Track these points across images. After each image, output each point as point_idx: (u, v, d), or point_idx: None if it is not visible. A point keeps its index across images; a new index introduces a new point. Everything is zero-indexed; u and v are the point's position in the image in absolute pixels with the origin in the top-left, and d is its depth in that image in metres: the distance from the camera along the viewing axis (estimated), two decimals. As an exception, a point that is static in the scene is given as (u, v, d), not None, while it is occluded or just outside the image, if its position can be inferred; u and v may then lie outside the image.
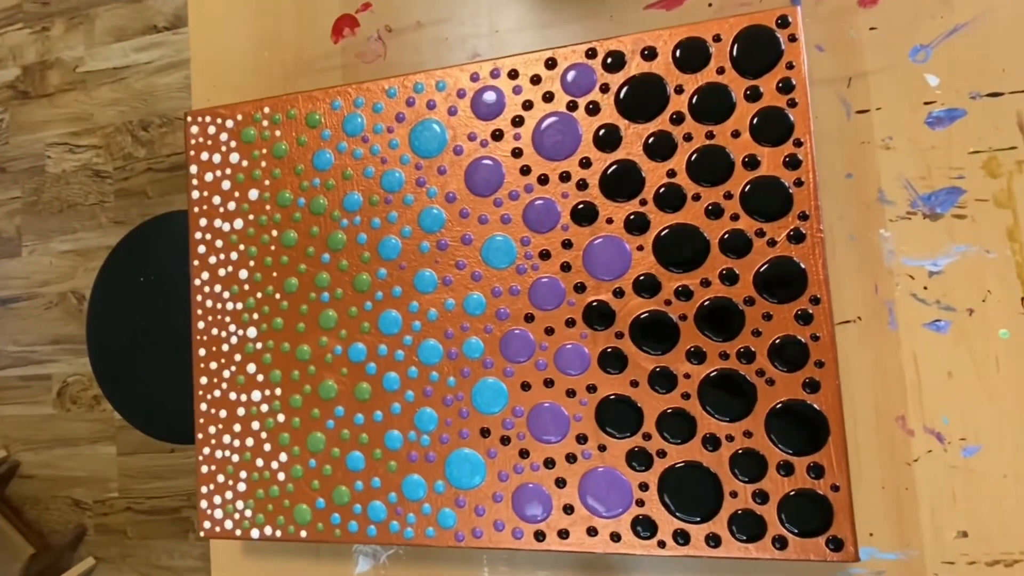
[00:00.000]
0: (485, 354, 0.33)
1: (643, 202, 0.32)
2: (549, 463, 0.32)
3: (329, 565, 0.39)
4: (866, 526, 0.32)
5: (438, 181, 0.34)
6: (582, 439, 0.32)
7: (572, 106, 0.33)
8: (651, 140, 0.32)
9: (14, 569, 1.02)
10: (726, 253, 0.30)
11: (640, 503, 0.31)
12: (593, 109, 0.32)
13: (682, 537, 0.30)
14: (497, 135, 0.34)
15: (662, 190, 0.31)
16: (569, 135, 0.33)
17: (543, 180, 0.33)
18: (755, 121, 0.30)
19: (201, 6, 0.46)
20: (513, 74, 0.34)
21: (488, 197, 0.34)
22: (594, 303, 0.32)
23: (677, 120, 0.31)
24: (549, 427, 0.32)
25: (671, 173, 0.31)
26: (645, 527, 0.30)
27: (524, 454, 0.32)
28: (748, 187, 0.30)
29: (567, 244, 0.32)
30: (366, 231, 0.35)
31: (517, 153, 0.33)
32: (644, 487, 0.31)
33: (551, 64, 0.33)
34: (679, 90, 0.31)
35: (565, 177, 0.33)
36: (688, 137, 0.31)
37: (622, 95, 0.32)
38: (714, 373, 0.30)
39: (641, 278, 0.31)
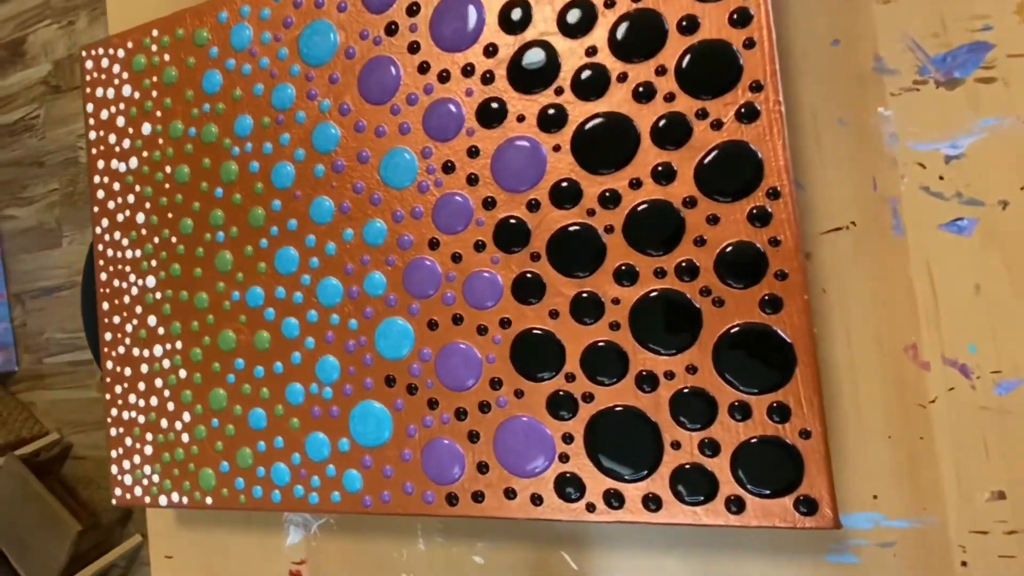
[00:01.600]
0: (388, 290, 0.28)
1: (559, 91, 0.25)
2: (460, 414, 0.27)
3: (260, 535, 0.35)
4: (868, 486, 0.26)
5: (330, 91, 0.29)
6: (496, 384, 0.26)
7: (473, -17, 0.27)
8: (566, 13, 0.25)
9: (65, 545, 1.07)
10: (661, 144, 0.24)
11: (564, 458, 0.25)
12: (498, -17, 0.26)
13: (616, 499, 0.24)
14: (391, 29, 0.28)
15: (582, 74, 0.25)
16: (470, 18, 0.27)
17: (444, 77, 0.27)
18: (693, -30, 0.23)
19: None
20: (406, -47, 0.28)
21: (384, 105, 0.28)
22: (507, 220, 0.26)
23: (597, -17, 0.25)
24: (459, 371, 0.27)
25: (591, 51, 0.25)
26: (572, 487, 0.25)
27: (433, 404, 0.27)
28: (686, 57, 0.24)
29: (473, 152, 0.27)
30: (258, 158, 0.31)
31: (414, 48, 0.28)
32: (568, 439, 0.25)
33: (447, -66, 0.27)
34: (597, -56, 0.25)
35: (468, 71, 0.27)
36: (610, 3, 0.25)
37: (531, -39, 0.26)
38: (650, 295, 0.24)
39: (563, 184, 0.25)
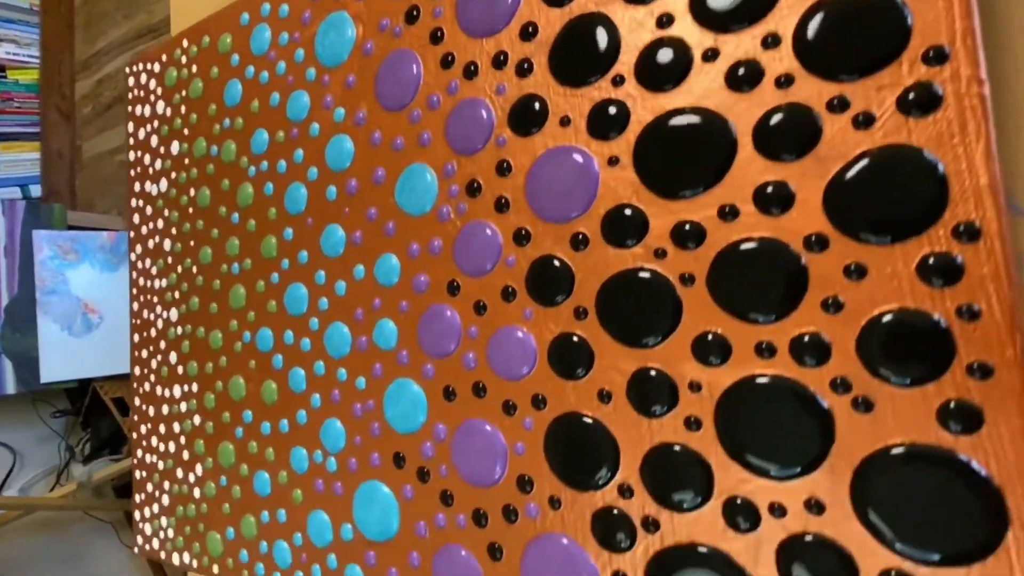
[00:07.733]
0: (399, 345, 0.22)
1: (618, 80, 0.18)
2: (480, 518, 0.20)
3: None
4: None
5: (345, 98, 0.24)
6: (526, 484, 0.19)
7: (511, -57, 0.20)
8: (632, -32, 0.18)
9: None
10: (771, 153, 0.16)
11: (613, 607, 0.17)
12: (541, -60, 0.19)
13: None
14: (412, 15, 0.22)
15: (651, 53, 0.17)
16: (505, -9, 0.20)
17: (471, 72, 0.21)
18: None
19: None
20: (431, -84, 0.22)
21: (402, 111, 0.23)
22: (545, 261, 0.19)
23: (676, -80, 0.17)
24: (480, 459, 0.20)
25: (664, 20, 0.17)
26: (623, 651, 0.17)
27: (447, 499, 0.21)
28: (812, 18, 0.15)
29: (503, 168, 0.20)
30: (272, 178, 0.26)
31: (437, 36, 0.22)
32: (620, 580, 0.17)
33: None
34: None
35: (500, 61, 0.20)
36: (696, -54, 0.17)
37: (585, -97, 0.19)
38: (749, 383, 0.16)
39: (621, 212, 0.18)
